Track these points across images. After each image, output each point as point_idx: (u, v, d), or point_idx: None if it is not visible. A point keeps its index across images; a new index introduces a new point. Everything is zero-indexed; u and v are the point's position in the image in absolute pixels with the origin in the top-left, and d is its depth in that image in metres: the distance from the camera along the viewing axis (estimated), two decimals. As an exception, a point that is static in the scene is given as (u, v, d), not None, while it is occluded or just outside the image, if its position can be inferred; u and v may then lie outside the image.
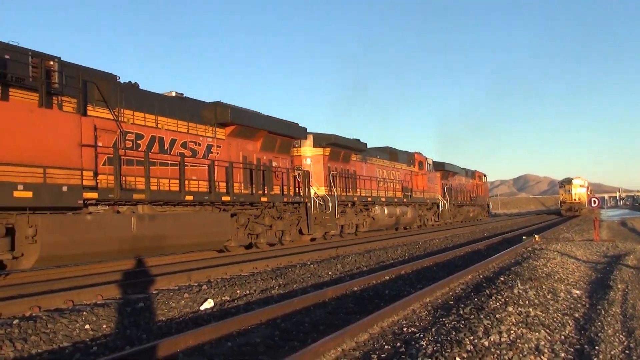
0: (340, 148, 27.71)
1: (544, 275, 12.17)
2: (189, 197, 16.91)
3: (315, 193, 24.95)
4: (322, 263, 15.57)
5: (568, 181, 71.38)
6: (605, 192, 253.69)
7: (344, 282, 11.81)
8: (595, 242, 22.30)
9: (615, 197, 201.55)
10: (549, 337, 7.07)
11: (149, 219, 15.47)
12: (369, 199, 30.31)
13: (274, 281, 12.41)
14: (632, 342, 7.47)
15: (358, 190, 29.38)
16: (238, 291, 11.15)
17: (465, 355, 6.02)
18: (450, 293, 10.66)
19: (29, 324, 8.02)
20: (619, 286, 11.71)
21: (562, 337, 7.27)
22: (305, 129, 25.08)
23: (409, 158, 38.38)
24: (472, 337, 6.65)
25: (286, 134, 23.01)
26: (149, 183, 15.54)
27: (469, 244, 22.48)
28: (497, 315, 7.76)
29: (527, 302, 8.99)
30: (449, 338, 6.66)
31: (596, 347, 6.91)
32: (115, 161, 14.54)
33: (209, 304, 9.92)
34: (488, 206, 63.52)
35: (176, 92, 18.16)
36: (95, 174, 14.23)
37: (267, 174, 21.12)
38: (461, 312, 8.28)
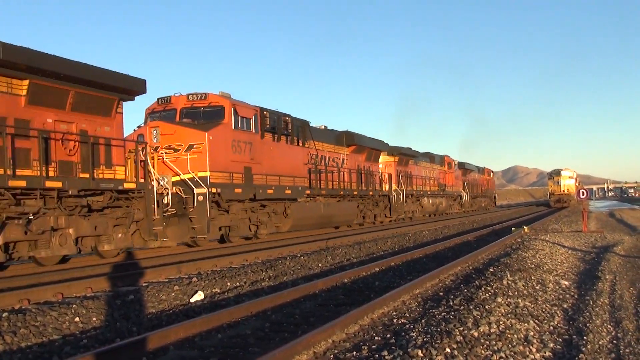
0: (404, 156, 38.71)
1: (532, 266, 12.24)
2: (341, 192, 28.26)
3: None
4: (312, 255, 15.59)
5: (557, 173, 71.57)
6: (593, 183, 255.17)
7: (334, 274, 11.84)
8: (584, 233, 22.43)
9: (604, 188, 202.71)
10: (538, 328, 7.12)
11: (326, 205, 26.19)
12: (421, 192, 41.66)
13: (264, 273, 12.42)
14: (620, 333, 7.54)
15: (414, 185, 40.17)
16: (228, 283, 11.16)
17: (455, 346, 6.05)
18: (440, 284, 10.70)
19: (19, 316, 7.99)
20: (607, 277, 11.80)
21: (551, 327, 7.32)
22: (387, 144, 36.13)
23: (441, 160, 49.08)
24: (461, 328, 6.68)
25: (377, 148, 33.85)
26: (327, 184, 26.71)
27: (459, 236, 22.58)
28: (486, 306, 7.80)
29: (516, 293, 9.04)
30: (438, 329, 6.69)
31: (584, 338, 6.97)
32: (315, 172, 25.49)
33: (199, 296, 9.92)
34: (494, 197, 74.61)
35: (325, 126, 29.10)
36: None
37: (369, 177, 32.30)
38: (451, 303, 8.32)
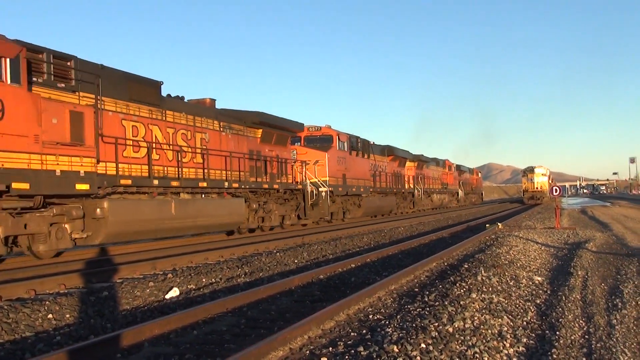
0: (421, 161, 49.09)
1: (506, 262, 12.37)
2: (387, 190, 39.28)
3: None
4: (289, 251, 15.58)
5: (530, 170, 72.30)
6: (566, 180, 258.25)
7: (310, 270, 11.85)
8: (557, 230, 22.70)
9: (576, 185, 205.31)
10: (512, 323, 7.21)
11: (379, 199, 37.14)
12: (431, 190, 52.32)
13: (240, 269, 12.38)
14: (591, 327, 7.66)
15: (426, 185, 50.33)
16: (204, 279, 11.11)
17: (430, 341, 6.10)
18: (415, 280, 10.76)
19: (-10, 313, 7.88)
20: (579, 273, 11.96)
21: (524, 322, 7.41)
22: (411, 153, 46.94)
23: (443, 163, 59.38)
24: (436, 324, 6.74)
25: (405, 157, 45.02)
26: (380, 184, 37.74)
27: (434, 232, 22.69)
28: (461, 302, 7.87)
29: (490, 288, 9.13)
30: (414, 325, 6.74)
31: (557, 333, 7.07)
32: (374, 176, 36.33)
33: (174, 292, 9.87)
34: (482, 194, 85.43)
35: (373, 142, 38.35)
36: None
37: (400, 178, 43.30)
38: (426, 299, 8.38)
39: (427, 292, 8.92)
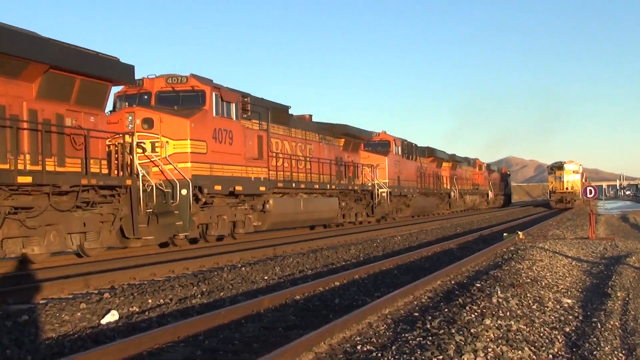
0: (455, 162, 59.77)
1: (528, 280, 12.44)
2: (429, 191, 52.42)
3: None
4: (256, 265, 15.57)
5: (559, 166, 72.61)
6: (603, 179, 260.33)
7: (283, 289, 11.85)
8: (591, 241, 22.87)
9: (616, 186, 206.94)
10: (534, 356, 7.24)
11: (423, 199, 49.42)
12: (464, 191, 63.15)
13: (195, 288, 12.35)
14: (632, 362, 7.71)
15: (459, 185, 61.01)
16: (150, 300, 11.07)
17: (432, 378, 6.12)
18: (415, 302, 10.79)
19: None
20: (619, 294, 12.06)
21: (550, 355, 7.45)
22: (447, 153, 57.72)
23: (474, 163, 70.14)
24: (441, 357, 6.76)
25: (442, 158, 55.63)
26: (423, 185, 50.08)
27: (438, 243, 22.77)
28: (471, 330, 7.91)
29: (508, 313, 9.18)
30: (413, 358, 6.75)
31: (590, 368, 7.11)
32: (419, 178, 48.67)
33: (112, 316, 9.82)
34: (510, 195, 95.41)
35: (415, 144, 48.35)
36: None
37: (438, 179, 54.16)
38: (428, 325, 8.40)
39: (430, 317, 8.95)
